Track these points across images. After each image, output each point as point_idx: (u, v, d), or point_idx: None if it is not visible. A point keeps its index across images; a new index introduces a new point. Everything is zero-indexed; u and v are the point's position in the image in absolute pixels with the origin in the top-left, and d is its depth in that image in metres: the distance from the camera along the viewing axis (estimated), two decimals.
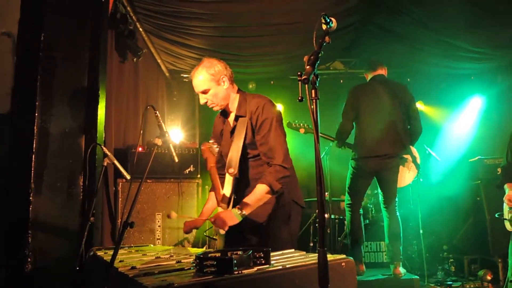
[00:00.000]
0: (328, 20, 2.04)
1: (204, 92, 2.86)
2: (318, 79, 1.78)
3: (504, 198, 4.00)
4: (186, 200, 4.82)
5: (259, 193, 2.68)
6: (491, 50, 6.17)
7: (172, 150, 2.84)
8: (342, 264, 1.85)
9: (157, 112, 2.71)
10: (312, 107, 1.71)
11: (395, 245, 4.49)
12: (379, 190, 4.76)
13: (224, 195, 2.80)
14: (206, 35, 5.48)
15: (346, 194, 4.77)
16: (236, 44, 5.85)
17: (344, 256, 1.91)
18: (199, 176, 4.97)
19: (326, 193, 5.72)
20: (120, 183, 4.44)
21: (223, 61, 2.94)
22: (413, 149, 4.85)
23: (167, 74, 6.98)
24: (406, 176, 4.79)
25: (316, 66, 1.78)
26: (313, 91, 1.72)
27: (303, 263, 1.77)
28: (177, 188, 4.81)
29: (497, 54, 6.29)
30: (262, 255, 1.78)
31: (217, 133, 3.13)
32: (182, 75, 7.18)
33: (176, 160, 2.94)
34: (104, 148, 3.23)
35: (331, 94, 7.12)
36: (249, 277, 1.59)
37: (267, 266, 1.73)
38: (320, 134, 5.04)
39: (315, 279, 1.56)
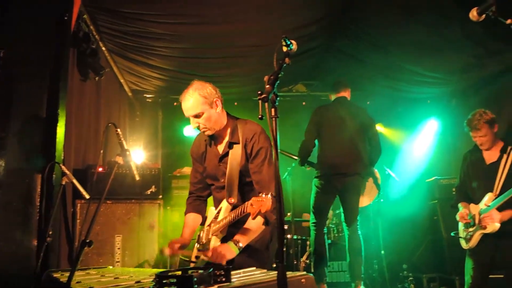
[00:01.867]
0: (289, 43, 2.10)
1: (197, 116, 2.74)
2: (278, 98, 1.82)
3: (456, 215, 4.14)
4: (147, 222, 4.73)
5: (255, 225, 2.64)
6: (446, 75, 6.44)
7: (133, 168, 2.79)
8: (302, 280, 1.86)
9: (118, 129, 2.65)
10: (272, 125, 1.74)
11: (356, 264, 4.56)
12: (342, 209, 4.84)
13: (219, 221, 2.75)
14: (170, 56, 5.48)
15: (311, 213, 4.83)
16: (201, 65, 5.89)
17: (304, 272, 1.92)
18: (160, 197, 4.89)
19: (288, 213, 5.77)
20: (79, 204, 4.31)
21: (212, 84, 2.86)
22: (374, 170, 4.99)
23: (129, 94, 6.92)
24: (368, 196, 4.90)
25: (275, 86, 1.82)
26: (273, 109, 1.76)
27: (263, 280, 1.77)
28: (138, 209, 4.72)
29: (452, 79, 6.57)
30: (223, 273, 1.77)
31: (199, 153, 3.05)
32: (145, 95, 7.14)
33: (137, 178, 2.88)
34: (62, 167, 3.16)
35: (293, 116, 7.22)
36: None
37: (227, 283, 1.73)
38: (283, 153, 5.09)
39: None
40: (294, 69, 6.46)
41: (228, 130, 2.87)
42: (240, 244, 2.57)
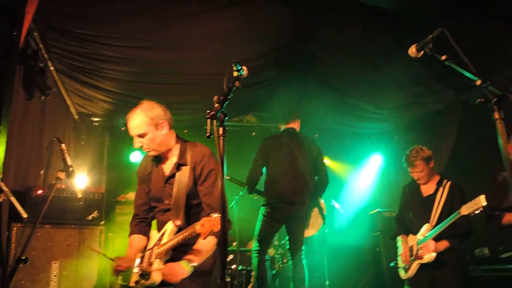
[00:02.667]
0: (239, 68, 2.16)
1: (141, 136, 2.76)
2: (226, 118, 1.85)
3: (399, 255, 4.28)
4: (88, 248, 4.53)
5: (207, 245, 2.62)
6: (390, 112, 6.77)
7: (76, 186, 2.71)
8: None
9: (63, 145, 2.59)
10: (219, 143, 1.76)
11: None
12: (287, 238, 4.87)
13: (163, 244, 2.68)
14: (121, 79, 5.43)
15: (255, 240, 4.81)
16: (152, 90, 5.85)
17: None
18: (103, 223, 4.71)
19: (234, 243, 5.73)
20: (15, 228, 4.07)
21: (163, 105, 2.87)
22: (320, 201, 5.09)
23: (76, 117, 6.73)
24: (313, 225, 4.97)
25: (224, 106, 1.86)
26: (221, 128, 1.79)
27: None
28: (78, 235, 4.53)
29: (395, 115, 6.92)
30: None
31: (145, 174, 3.02)
32: (92, 118, 6.97)
33: (79, 195, 2.79)
34: (0, 183, 3.00)
35: (243, 146, 7.28)
36: None
37: None
38: (232, 180, 5.07)
39: None
40: (245, 99, 6.56)
41: (177, 152, 2.87)
42: (194, 264, 2.53)
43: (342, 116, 7.01)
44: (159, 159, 2.94)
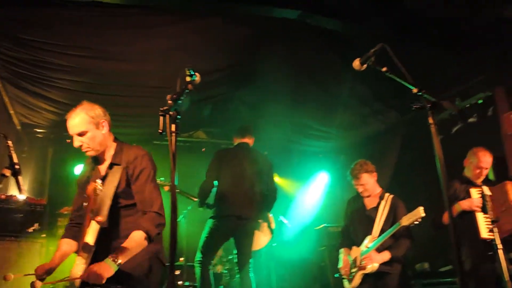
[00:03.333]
0: (192, 73, 2.21)
1: (81, 134, 2.75)
2: (179, 116, 1.88)
3: (339, 267, 4.41)
4: (27, 262, 4.33)
5: (135, 240, 2.57)
6: (337, 131, 7.00)
7: (19, 181, 2.60)
8: None
9: (9, 141, 2.52)
10: (171, 139, 1.79)
11: None
12: (235, 252, 4.87)
13: (86, 243, 2.60)
14: (69, 89, 5.30)
15: (198, 252, 4.73)
16: (101, 102, 5.64)
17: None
18: (44, 235, 4.54)
19: (181, 258, 5.66)
20: None
21: (103, 107, 2.89)
22: (269, 215, 5.14)
23: (18, 127, 6.48)
24: (261, 239, 5.00)
25: (177, 103, 1.89)
26: (173, 125, 1.82)
27: None
28: (17, 248, 4.34)
29: (341, 134, 7.16)
30: None
31: (83, 179, 2.97)
32: (36, 129, 6.73)
33: (20, 192, 2.68)
34: None
35: (193, 161, 7.24)
36: None
37: None
38: (183, 194, 5.02)
39: None
40: (195, 115, 6.58)
41: (112, 152, 2.88)
42: (119, 261, 2.45)
43: (291, 134, 7.16)
44: (97, 161, 2.93)
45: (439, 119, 6.46)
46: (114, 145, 2.92)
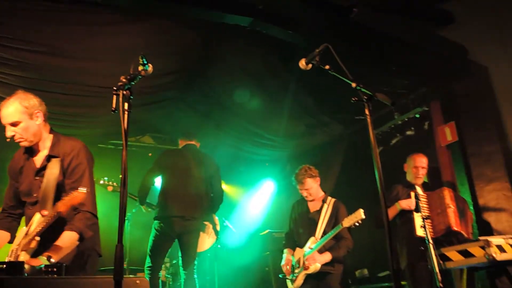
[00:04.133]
0: (145, 62, 2.25)
1: (14, 124, 2.70)
2: (132, 96, 1.92)
3: (281, 266, 4.51)
4: None
5: (68, 240, 2.55)
6: (284, 140, 7.16)
7: None
8: (137, 281, 1.89)
9: None
10: (123, 117, 1.83)
11: None
12: (179, 256, 4.84)
13: (30, 233, 2.56)
14: (12, 84, 5.07)
15: (147, 256, 4.71)
16: (46, 99, 5.49)
17: (140, 275, 1.95)
18: None
19: (124, 263, 5.55)
20: None
21: (39, 98, 2.85)
22: (214, 216, 5.18)
23: None
24: (206, 241, 5.02)
25: (130, 83, 1.92)
26: (126, 103, 1.86)
27: (98, 276, 1.77)
28: None
29: (288, 144, 7.33)
30: (55, 270, 1.72)
31: (16, 169, 2.90)
32: None
33: None
34: None
35: (139, 166, 7.15)
36: (37, 280, 1.54)
37: (60, 276, 1.68)
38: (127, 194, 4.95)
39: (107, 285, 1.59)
40: (142, 119, 6.52)
41: (49, 144, 2.84)
42: (52, 260, 2.40)
43: (238, 141, 7.24)
44: (31, 152, 2.88)
45: (379, 131, 6.86)
46: (50, 136, 2.90)
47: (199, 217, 4.85)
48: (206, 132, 6.92)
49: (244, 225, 7.25)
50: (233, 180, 7.95)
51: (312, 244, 4.31)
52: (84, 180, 2.75)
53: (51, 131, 2.91)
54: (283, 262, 4.51)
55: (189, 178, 4.88)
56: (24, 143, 2.77)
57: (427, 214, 3.60)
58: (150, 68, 2.28)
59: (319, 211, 4.48)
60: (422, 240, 3.87)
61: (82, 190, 2.44)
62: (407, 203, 4.29)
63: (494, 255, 2.95)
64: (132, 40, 4.77)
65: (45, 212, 2.59)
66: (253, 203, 7.94)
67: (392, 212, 4.46)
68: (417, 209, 3.42)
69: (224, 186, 7.62)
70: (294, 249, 4.53)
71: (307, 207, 4.60)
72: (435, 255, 3.05)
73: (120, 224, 1.62)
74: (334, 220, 4.35)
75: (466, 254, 3.12)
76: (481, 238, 3.21)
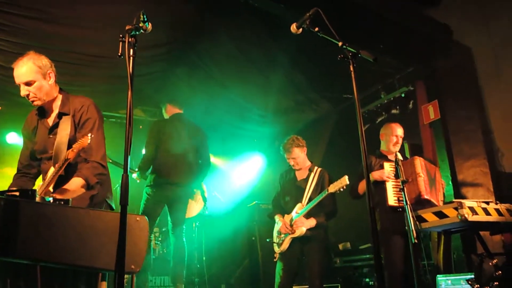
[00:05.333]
0: (146, 19, 2.36)
1: (28, 83, 2.79)
2: (137, 43, 2.04)
3: (278, 230, 4.67)
4: None
5: (74, 185, 2.68)
6: (273, 115, 7.28)
7: None
8: (137, 218, 2.05)
9: None
10: (129, 62, 1.95)
11: (179, 268, 4.75)
12: (168, 220, 5.01)
13: (47, 190, 2.69)
14: (3, 50, 5.12)
15: None
16: None
17: (139, 214, 2.11)
18: None
19: None
20: None
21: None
22: (202, 184, 5.35)
23: None
24: (194, 207, 5.20)
25: (135, 32, 2.03)
26: (131, 49, 1.98)
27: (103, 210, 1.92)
28: None
29: (277, 120, 7.46)
30: (62, 202, 1.87)
31: (30, 129, 3.04)
32: None
33: None
34: None
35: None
36: (47, 205, 1.68)
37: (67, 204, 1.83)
38: (117, 164, 5.04)
39: (110, 218, 1.74)
40: (134, 92, 6.56)
41: (59, 103, 2.96)
42: (55, 196, 2.54)
43: (228, 116, 7.33)
44: (43, 112, 3.00)
45: (366, 110, 7.05)
46: (60, 96, 3.00)
47: (188, 183, 5.01)
48: (195, 105, 7.00)
49: (231, 196, 7.42)
50: (221, 153, 8.09)
51: (299, 209, 4.50)
52: (93, 132, 2.85)
53: (60, 91, 3.02)
54: (279, 225, 4.65)
55: (179, 147, 5.02)
56: (38, 102, 2.87)
57: (406, 177, 3.74)
58: (149, 26, 2.40)
59: (306, 179, 4.66)
60: (394, 209, 4.07)
61: (88, 136, 2.56)
62: (379, 174, 4.31)
63: (466, 215, 3.15)
64: (127, 8, 4.81)
65: (57, 165, 2.72)
66: (240, 174, 8.11)
67: (363, 184, 4.50)
68: (398, 175, 3.58)
69: (213, 159, 7.81)
70: (282, 215, 4.72)
71: (295, 176, 4.78)
72: (412, 216, 3.24)
73: (125, 156, 1.77)
74: (320, 187, 4.53)
75: (440, 215, 3.32)
76: (455, 200, 3.42)
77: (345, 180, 4.14)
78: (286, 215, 4.66)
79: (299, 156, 4.69)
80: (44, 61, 2.89)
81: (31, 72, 2.79)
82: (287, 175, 4.89)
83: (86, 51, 5.37)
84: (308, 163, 4.77)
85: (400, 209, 3.93)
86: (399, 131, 4.61)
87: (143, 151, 5.18)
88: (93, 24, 4.95)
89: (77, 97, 3.01)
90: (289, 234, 4.48)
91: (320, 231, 4.50)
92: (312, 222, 4.41)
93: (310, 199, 4.48)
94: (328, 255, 5.28)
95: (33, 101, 2.87)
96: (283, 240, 4.55)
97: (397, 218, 3.99)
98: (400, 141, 4.58)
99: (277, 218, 4.74)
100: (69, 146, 2.78)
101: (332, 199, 4.50)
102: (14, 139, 6.29)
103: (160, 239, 6.04)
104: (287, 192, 4.79)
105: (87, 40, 5.18)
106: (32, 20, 4.68)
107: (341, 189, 4.18)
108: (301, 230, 4.38)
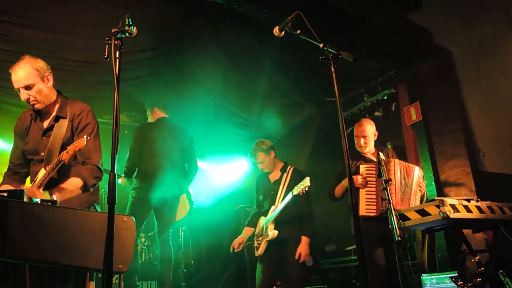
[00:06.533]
0: (131, 23, 2.39)
1: (28, 87, 2.81)
2: (122, 45, 2.07)
3: (256, 233, 4.70)
4: None
5: (72, 185, 2.71)
6: (258, 119, 7.33)
7: None
8: (124, 219, 2.07)
9: None
10: (115, 64, 1.98)
11: (166, 272, 4.75)
12: (155, 224, 5.01)
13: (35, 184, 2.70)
14: None
15: None
16: None
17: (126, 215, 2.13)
18: None
19: None
20: None
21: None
22: (189, 187, 5.36)
23: None
24: (181, 210, 5.20)
25: (121, 36, 2.06)
26: (117, 52, 2.01)
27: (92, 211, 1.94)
28: None
29: (262, 123, 7.50)
30: (50, 203, 1.88)
31: (22, 128, 3.04)
32: None
33: None
34: None
35: None
36: (35, 205, 1.70)
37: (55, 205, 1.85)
38: (105, 171, 5.03)
39: (98, 218, 1.76)
40: (120, 96, 6.54)
41: (57, 106, 2.98)
42: (54, 197, 2.57)
43: (213, 120, 7.36)
44: (40, 114, 3.01)
45: (349, 113, 7.15)
46: (58, 98, 3.03)
47: (175, 187, 5.02)
48: (180, 110, 7.00)
49: (217, 199, 7.43)
50: (207, 156, 8.11)
51: (271, 212, 4.54)
52: (91, 137, 2.90)
53: (58, 93, 3.05)
54: (257, 231, 4.70)
55: (164, 150, 5.03)
56: (38, 106, 2.88)
57: (389, 177, 3.77)
58: (134, 30, 2.42)
59: (278, 181, 4.68)
60: (366, 218, 4.03)
61: (84, 137, 2.59)
62: (355, 181, 4.14)
63: (447, 212, 3.21)
64: (113, 13, 4.82)
65: (49, 167, 2.72)
66: (226, 178, 8.13)
67: (339, 188, 4.46)
68: (380, 175, 3.62)
69: (199, 162, 7.81)
70: (255, 226, 4.75)
71: (268, 178, 4.81)
72: (395, 215, 3.29)
73: (112, 156, 1.79)
74: (293, 188, 4.46)
75: (422, 213, 3.38)
76: (437, 198, 3.49)
77: (307, 181, 4.20)
78: (262, 218, 4.69)
79: (265, 160, 4.71)
80: (41, 64, 2.92)
81: (30, 75, 2.81)
82: (262, 179, 4.92)
83: (69, 57, 5.35)
84: (280, 164, 4.79)
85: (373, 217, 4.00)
86: (360, 130, 4.43)
87: (128, 155, 5.18)
88: (78, 30, 4.94)
89: (76, 102, 3.05)
90: (265, 237, 4.49)
91: (298, 232, 4.49)
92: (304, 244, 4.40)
93: (283, 202, 4.47)
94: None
95: (33, 105, 2.89)
96: (260, 243, 4.55)
97: (372, 224, 4.02)
98: (365, 141, 4.40)
99: (243, 231, 4.82)
100: (62, 149, 2.79)
101: (305, 200, 4.51)
102: (3, 146, 6.23)
103: (146, 243, 6.03)
104: (263, 195, 4.82)
105: (71, 46, 5.16)
106: (17, 26, 4.66)
107: (304, 191, 4.21)
108: (273, 233, 4.41)
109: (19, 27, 4.69)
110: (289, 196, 4.31)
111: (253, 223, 4.81)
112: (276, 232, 4.40)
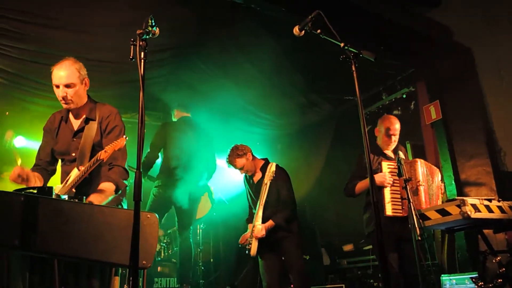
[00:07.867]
0: (154, 24, 2.43)
1: (68, 86, 2.90)
2: (147, 47, 2.10)
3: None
4: None
5: (107, 190, 2.78)
6: (275, 118, 7.35)
7: None
8: (148, 216, 2.11)
9: None
10: (140, 65, 2.02)
11: (185, 268, 4.81)
12: (176, 220, 5.08)
13: (67, 188, 2.77)
14: (12, 56, 5.22)
15: None
16: (43, 72, 5.67)
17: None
18: None
19: None
20: None
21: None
22: (210, 186, 5.41)
23: None
24: (203, 208, 5.26)
25: (145, 36, 2.10)
26: (142, 53, 2.05)
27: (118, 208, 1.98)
28: None
29: (279, 122, 7.53)
30: (77, 200, 1.93)
31: (52, 128, 3.14)
32: None
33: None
34: None
35: (133, 142, 7.28)
36: (63, 202, 1.74)
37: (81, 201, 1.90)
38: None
39: (123, 215, 1.80)
40: (137, 96, 6.61)
41: (87, 108, 3.07)
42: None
43: (230, 118, 7.38)
44: (69, 115, 3.10)
45: (367, 111, 7.11)
46: (89, 101, 3.12)
47: (196, 185, 5.08)
48: (198, 109, 7.05)
49: (236, 198, 7.45)
50: (225, 155, 8.11)
51: (257, 212, 4.52)
52: (118, 140, 2.92)
53: (88, 97, 3.14)
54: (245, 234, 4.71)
55: (188, 149, 5.10)
56: (71, 105, 2.98)
57: (409, 176, 3.73)
58: (157, 30, 2.47)
59: (260, 181, 4.66)
60: (390, 218, 3.86)
61: (124, 137, 2.69)
62: (380, 179, 3.94)
63: (468, 212, 3.18)
64: (133, 14, 4.88)
65: (82, 167, 2.80)
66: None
67: (362, 185, 4.19)
68: (400, 174, 3.59)
69: (218, 161, 7.85)
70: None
71: (252, 179, 4.80)
72: (415, 215, 3.28)
73: (138, 154, 1.83)
74: (275, 186, 4.53)
75: (443, 212, 3.35)
76: (458, 197, 3.45)
77: (273, 167, 4.36)
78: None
79: (244, 164, 4.69)
80: (83, 68, 3.05)
81: (73, 75, 2.92)
82: (248, 180, 4.91)
83: (91, 57, 5.42)
84: (260, 163, 4.77)
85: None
86: (394, 128, 4.28)
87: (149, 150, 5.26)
88: (99, 30, 5.02)
89: (104, 105, 3.15)
90: (253, 237, 4.48)
91: (292, 228, 4.50)
92: (268, 224, 4.41)
93: (267, 200, 4.50)
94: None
95: (68, 103, 2.97)
96: (251, 243, 4.51)
97: (389, 224, 3.86)
98: (394, 139, 4.28)
99: (249, 228, 4.79)
100: (93, 150, 2.91)
101: (282, 188, 4.51)
102: (22, 142, 6.35)
103: (165, 241, 6.09)
104: (251, 196, 4.83)
105: (92, 46, 5.25)
106: (38, 26, 4.75)
107: (273, 177, 4.31)
108: (257, 229, 4.40)
109: (39, 27, 4.77)
110: (266, 188, 4.36)
111: (251, 220, 4.77)
112: (259, 227, 4.38)
